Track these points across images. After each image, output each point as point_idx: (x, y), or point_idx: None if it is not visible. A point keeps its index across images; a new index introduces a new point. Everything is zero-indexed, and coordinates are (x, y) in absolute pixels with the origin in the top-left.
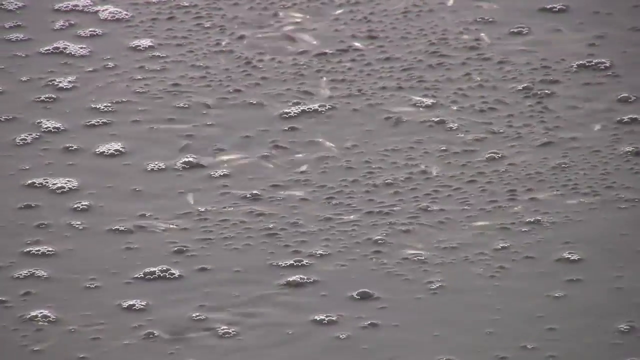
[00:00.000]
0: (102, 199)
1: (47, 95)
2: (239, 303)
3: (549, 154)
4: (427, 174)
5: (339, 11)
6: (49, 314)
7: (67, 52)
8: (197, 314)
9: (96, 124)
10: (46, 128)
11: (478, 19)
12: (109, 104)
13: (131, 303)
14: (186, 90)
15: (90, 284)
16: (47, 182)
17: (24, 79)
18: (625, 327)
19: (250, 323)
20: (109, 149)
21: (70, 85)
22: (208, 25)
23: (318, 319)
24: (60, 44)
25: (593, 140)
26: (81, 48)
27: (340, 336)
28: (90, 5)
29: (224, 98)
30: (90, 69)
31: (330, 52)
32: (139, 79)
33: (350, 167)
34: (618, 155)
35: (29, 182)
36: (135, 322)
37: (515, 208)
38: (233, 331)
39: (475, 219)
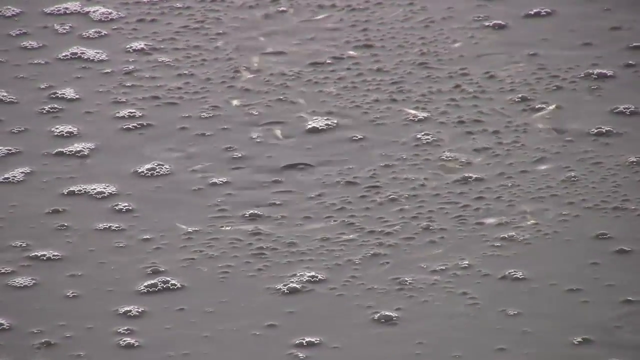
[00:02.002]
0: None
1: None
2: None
3: (553, 167)
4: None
5: (334, 17)
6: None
7: (85, 57)
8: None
9: (132, 128)
10: (75, 133)
11: (476, 21)
12: (134, 110)
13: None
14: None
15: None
16: (86, 190)
17: (42, 86)
18: None
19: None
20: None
21: (101, 90)
22: (197, 26)
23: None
24: (78, 50)
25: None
26: (97, 53)
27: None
28: (80, 7)
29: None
30: (108, 70)
31: (328, 61)
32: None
33: (353, 184)
34: (625, 167)
35: (67, 190)
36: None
37: (528, 223)
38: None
39: (470, 240)
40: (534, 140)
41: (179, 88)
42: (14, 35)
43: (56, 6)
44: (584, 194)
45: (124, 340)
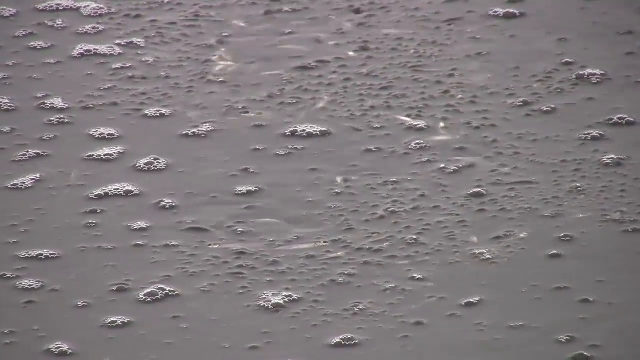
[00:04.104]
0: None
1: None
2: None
3: (558, 175)
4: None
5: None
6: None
7: (101, 53)
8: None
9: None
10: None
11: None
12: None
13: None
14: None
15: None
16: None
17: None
18: None
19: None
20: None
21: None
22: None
23: None
24: (91, 47)
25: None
26: (108, 47)
27: None
28: (72, 2)
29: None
30: (125, 65)
31: (314, 64)
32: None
33: (349, 197)
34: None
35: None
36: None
37: (521, 235)
38: None
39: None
40: (537, 146)
41: (142, 92)
42: (21, 36)
43: (48, 3)
44: (587, 206)
45: (58, 348)
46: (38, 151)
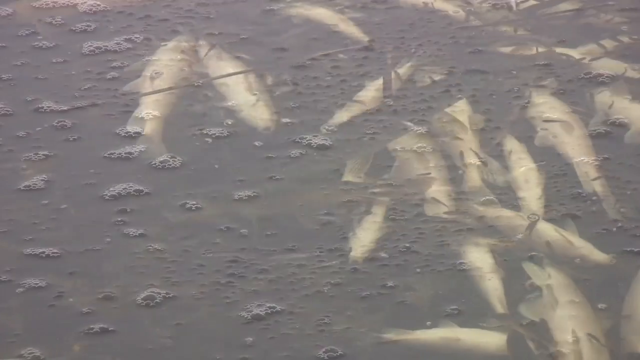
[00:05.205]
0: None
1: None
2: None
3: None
4: None
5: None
6: None
7: (112, 49)
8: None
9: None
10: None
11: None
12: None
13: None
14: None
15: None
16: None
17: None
18: None
19: None
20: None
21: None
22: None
23: None
24: (102, 44)
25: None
26: (117, 44)
27: None
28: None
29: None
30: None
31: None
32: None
33: (350, 204)
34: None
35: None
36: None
37: (520, 236)
38: None
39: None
40: (541, 150)
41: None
42: (23, 35)
43: (44, 0)
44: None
45: (30, 352)
46: (39, 153)
